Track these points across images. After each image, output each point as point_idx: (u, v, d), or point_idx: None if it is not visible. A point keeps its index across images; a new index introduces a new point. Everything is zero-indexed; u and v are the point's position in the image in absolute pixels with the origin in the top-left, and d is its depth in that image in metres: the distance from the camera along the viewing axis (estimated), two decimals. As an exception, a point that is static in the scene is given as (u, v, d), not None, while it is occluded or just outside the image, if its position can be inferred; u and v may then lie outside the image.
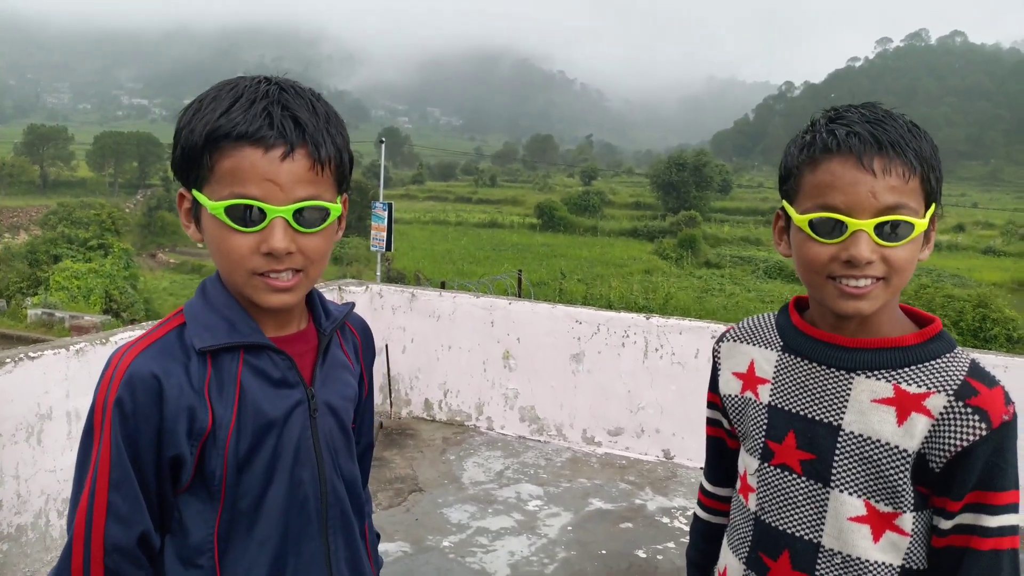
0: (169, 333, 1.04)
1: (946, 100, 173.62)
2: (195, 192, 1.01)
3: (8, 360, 2.90)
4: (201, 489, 1.03)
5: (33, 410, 2.97)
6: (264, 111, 0.97)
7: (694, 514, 1.40)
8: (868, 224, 1.00)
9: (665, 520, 3.79)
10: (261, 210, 0.97)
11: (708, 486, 1.35)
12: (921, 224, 1.02)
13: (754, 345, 1.20)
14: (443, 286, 14.18)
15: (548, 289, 29.36)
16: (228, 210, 0.97)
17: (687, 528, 3.70)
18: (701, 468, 4.59)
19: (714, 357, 1.27)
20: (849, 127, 1.02)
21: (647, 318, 4.59)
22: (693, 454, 4.42)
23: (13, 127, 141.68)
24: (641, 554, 3.44)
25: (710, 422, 1.31)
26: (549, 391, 4.74)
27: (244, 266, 0.99)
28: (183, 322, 1.05)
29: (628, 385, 4.57)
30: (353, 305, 1.23)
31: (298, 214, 0.98)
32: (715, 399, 1.27)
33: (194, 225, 1.04)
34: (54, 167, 78.00)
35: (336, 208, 1.03)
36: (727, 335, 1.27)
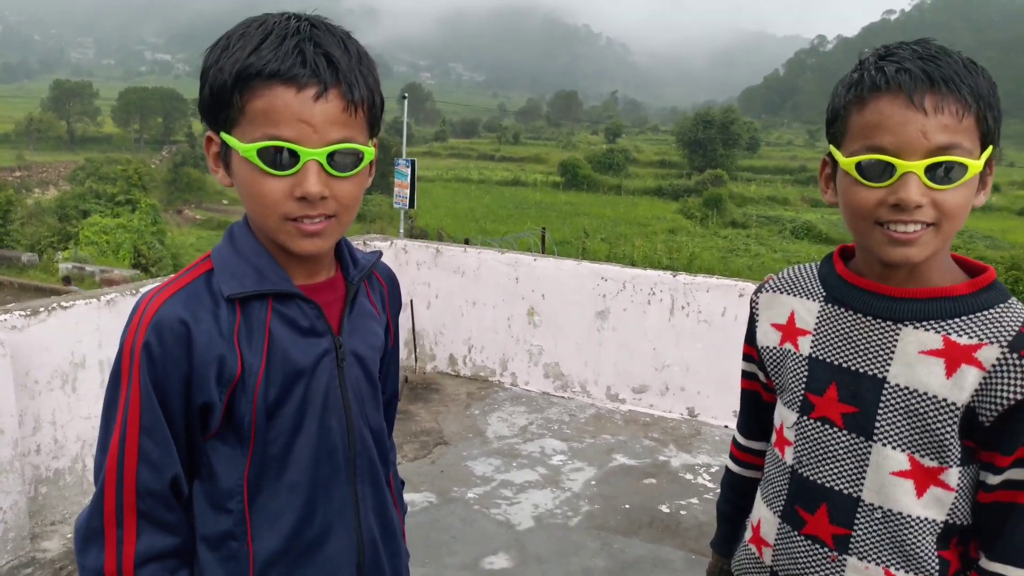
0: (197, 279, 1.02)
1: (984, 54, 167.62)
2: (224, 135, 0.97)
3: (42, 309, 2.95)
4: (230, 435, 1.02)
5: (67, 359, 3.03)
6: (296, 48, 0.92)
7: (726, 467, 1.38)
8: (918, 166, 0.94)
9: (688, 476, 3.80)
10: (294, 152, 0.93)
11: (741, 439, 1.33)
12: (976, 166, 0.96)
13: (795, 296, 1.16)
14: (467, 243, 14.15)
15: (571, 248, 29.24)
16: (260, 152, 0.93)
17: (711, 485, 3.71)
18: (726, 426, 4.60)
19: (751, 308, 1.23)
20: (899, 63, 0.96)
21: (674, 276, 4.54)
22: (718, 412, 4.41)
23: (39, 82, 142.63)
24: (664, 509, 3.46)
25: (745, 375, 1.28)
26: (574, 348, 4.74)
27: (277, 211, 0.96)
28: (211, 268, 1.03)
29: (653, 343, 4.55)
30: (380, 254, 1.20)
31: (331, 157, 0.94)
32: (751, 351, 1.24)
33: (223, 169, 1.00)
34: (80, 123, 78.55)
35: (369, 151, 0.99)
36: (766, 285, 1.22)
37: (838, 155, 1.02)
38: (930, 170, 0.94)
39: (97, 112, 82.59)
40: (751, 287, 4.29)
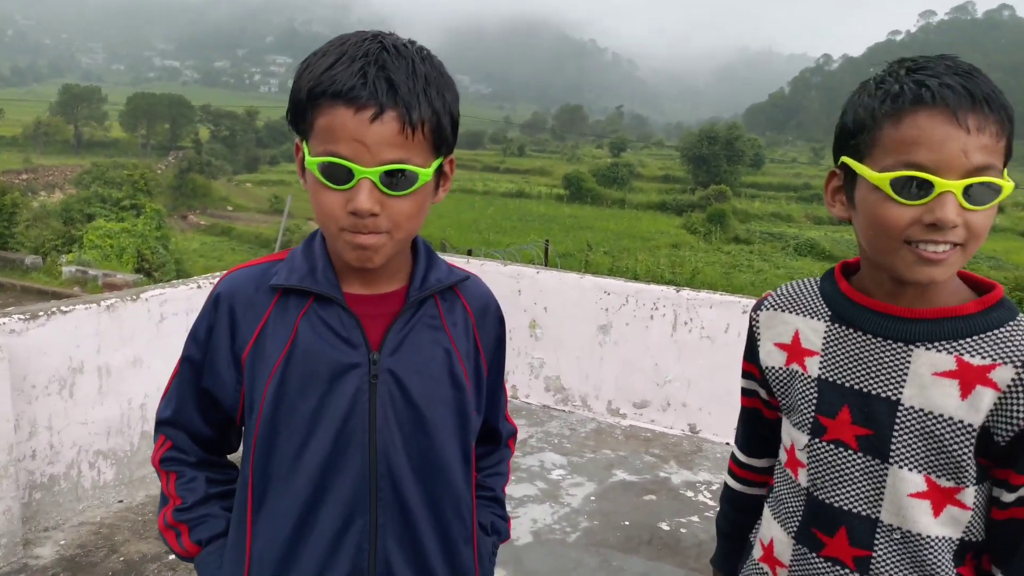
0: (264, 264, 1.12)
1: (991, 77, 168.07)
2: (304, 143, 1.03)
3: (41, 313, 2.93)
4: (249, 418, 1.08)
5: (65, 364, 3.01)
6: (360, 70, 0.97)
7: (725, 484, 1.36)
8: (957, 185, 0.92)
9: (689, 494, 3.76)
10: (350, 170, 0.97)
11: (742, 456, 1.31)
12: (1008, 187, 0.95)
13: (797, 314, 1.13)
14: (470, 254, 14.12)
15: (574, 261, 29.21)
16: (321, 167, 0.98)
17: (712, 503, 3.67)
18: (727, 443, 4.55)
19: (752, 325, 1.21)
20: (939, 78, 0.94)
21: (677, 291, 4.52)
22: (719, 429, 4.38)
23: (48, 86, 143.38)
24: (664, 526, 3.43)
25: (746, 392, 1.26)
26: (575, 361, 4.71)
27: (334, 222, 1.00)
28: (282, 259, 1.11)
29: (655, 358, 4.52)
30: (467, 276, 1.17)
31: (386, 176, 0.98)
32: (752, 369, 1.22)
33: (304, 175, 1.06)
34: (88, 127, 78.86)
35: (426, 173, 1.00)
36: (765, 303, 1.20)
37: (864, 169, 0.98)
38: (967, 190, 0.93)
39: (105, 117, 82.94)
40: (754, 303, 4.26)
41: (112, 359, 3.17)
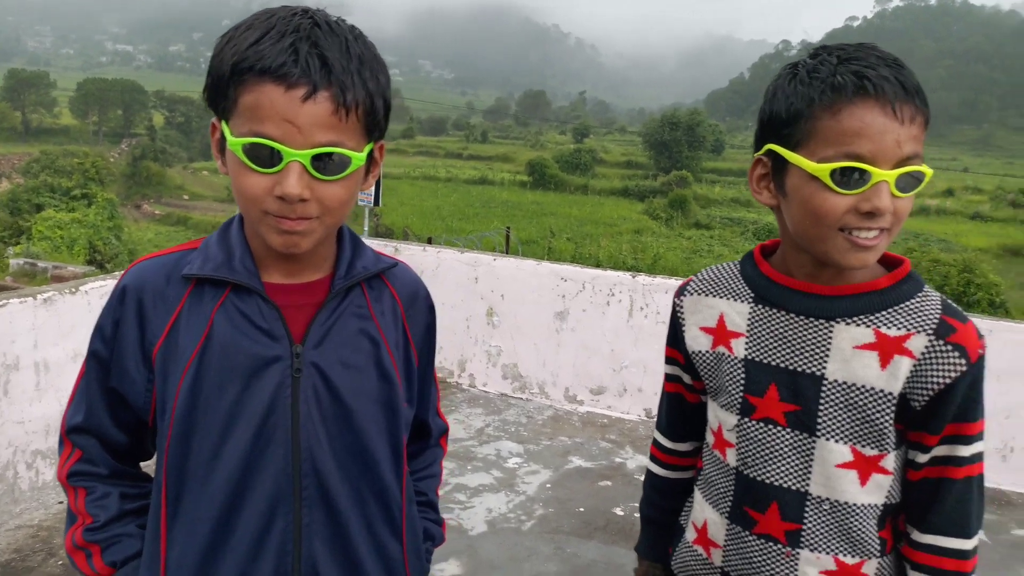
0: (177, 253, 1.06)
1: (942, 63, 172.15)
2: (224, 123, 0.96)
3: (-29, 309, 2.81)
4: (161, 418, 1.02)
5: (-1, 360, 2.90)
6: (291, 46, 0.91)
7: (648, 470, 1.37)
8: (891, 175, 0.96)
9: (643, 479, 3.78)
10: (278, 152, 0.92)
11: (665, 442, 1.32)
12: (929, 175, 1.00)
13: (722, 298, 1.16)
14: (429, 242, 14.05)
15: (537, 248, 29.26)
16: (245, 148, 0.93)
17: (666, 487, 3.70)
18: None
19: (675, 311, 1.22)
20: (875, 69, 0.96)
21: (633, 276, 4.53)
22: (675, 413, 4.41)
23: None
24: (619, 512, 3.44)
25: (669, 378, 1.28)
26: (532, 349, 4.71)
27: (257, 206, 0.95)
28: (196, 247, 1.06)
29: (612, 344, 4.54)
30: (395, 263, 1.13)
31: (316, 160, 0.93)
32: (676, 355, 1.24)
33: (222, 157, 1.00)
34: (36, 113, 76.34)
35: (359, 157, 0.96)
36: (688, 288, 1.22)
37: (800, 159, 0.99)
38: (899, 179, 0.97)
39: (54, 103, 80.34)
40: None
41: (50, 354, 3.06)
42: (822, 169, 0.97)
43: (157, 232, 38.25)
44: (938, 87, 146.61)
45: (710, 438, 1.20)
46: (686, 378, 1.25)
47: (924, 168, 0.98)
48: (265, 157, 0.92)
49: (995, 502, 3.78)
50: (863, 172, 0.95)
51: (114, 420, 1.07)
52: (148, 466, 1.12)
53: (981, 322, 3.96)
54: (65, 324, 3.10)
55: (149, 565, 1.03)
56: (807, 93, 0.98)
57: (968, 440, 1.03)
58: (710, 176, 64.64)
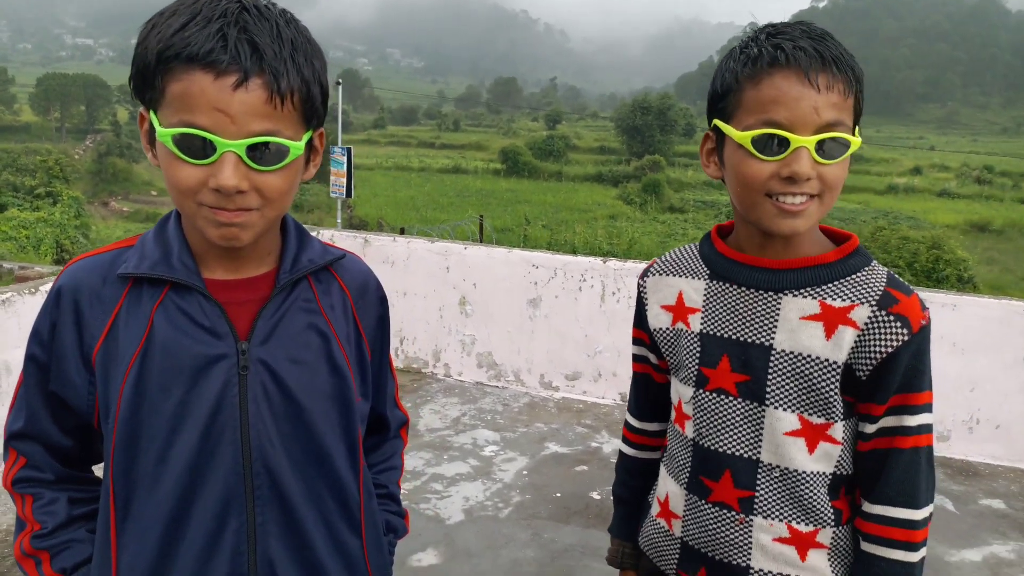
0: (113, 252, 1.03)
1: (905, 42, 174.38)
2: (152, 113, 0.92)
3: (-75, 313, 2.73)
4: (105, 421, 1.00)
5: (-43, 365, 2.82)
6: (219, 32, 0.87)
7: (619, 451, 1.40)
8: (810, 141, 0.99)
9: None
10: (210, 142, 0.88)
11: (635, 422, 1.35)
12: (856, 142, 1.02)
13: (681, 276, 1.20)
14: (402, 232, 13.96)
15: (512, 235, 29.22)
16: (176, 139, 0.89)
17: (642, 469, 3.73)
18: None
19: (640, 292, 1.26)
20: (793, 41, 1.01)
21: (604, 261, 4.54)
22: (649, 396, 4.44)
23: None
24: (595, 496, 3.46)
25: (636, 358, 1.31)
26: (506, 337, 4.70)
27: (192, 199, 0.91)
28: (131, 245, 1.03)
29: (585, 329, 4.55)
30: (343, 255, 1.10)
31: (252, 150, 0.89)
32: (642, 335, 1.27)
33: (152, 149, 0.96)
34: (-6, 111, 74.50)
35: (297, 146, 0.93)
36: (651, 269, 1.26)
37: (730, 130, 1.04)
38: (819, 145, 1.00)
39: (13, 100, 78.44)
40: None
41: (11, 356, 2.99)
42: (745, 137, 1.01)
43: (126, 230, 37.54)
44: (903, 66, 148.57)
45: (673, 414, 1.23)
46: (652, 358, 1.27)
47: (847, 135, 1.01)
48: (198, 148, 0.89)
49: (962, 473, 3.86)
50: (782, 139, 0.99)
51: (57, 425, 1.04)
52: (100, 469, 1.09)
53: (947, 297, 4.02)
54: (25, 325, 3.03)
55: (100, 570, 1.00)
56: (735, 68, 1.04)
57: (914, 410, 1.05)
58: (682, 160, 64.91)
